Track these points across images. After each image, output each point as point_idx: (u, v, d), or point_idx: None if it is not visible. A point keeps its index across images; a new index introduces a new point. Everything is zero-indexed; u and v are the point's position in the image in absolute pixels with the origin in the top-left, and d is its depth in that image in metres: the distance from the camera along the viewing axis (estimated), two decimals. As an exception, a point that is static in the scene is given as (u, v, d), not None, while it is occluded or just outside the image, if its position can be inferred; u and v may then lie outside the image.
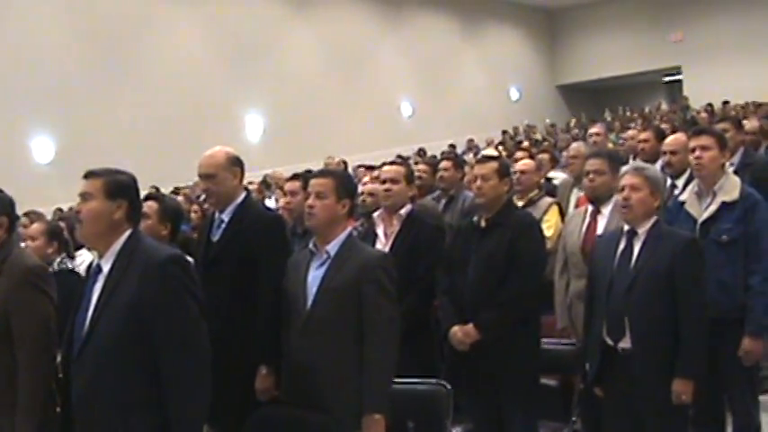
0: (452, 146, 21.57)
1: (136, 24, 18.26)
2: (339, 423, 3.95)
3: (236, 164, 4.84)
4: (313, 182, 4.31)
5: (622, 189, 4.59)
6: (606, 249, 4.68)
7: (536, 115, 27.87)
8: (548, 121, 27.26)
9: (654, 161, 7.00)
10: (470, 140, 23.05)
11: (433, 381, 4.52)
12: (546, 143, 18.15)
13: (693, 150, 5.17)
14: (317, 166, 12.43)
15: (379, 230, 5.59)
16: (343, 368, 4.02)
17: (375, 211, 5.88)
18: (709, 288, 4.87)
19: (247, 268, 4.65)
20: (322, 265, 4.16)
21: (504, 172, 5.18)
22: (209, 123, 18.16)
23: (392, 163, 6.01)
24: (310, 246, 4.27)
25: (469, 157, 16.35)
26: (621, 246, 4.59)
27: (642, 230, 4.55)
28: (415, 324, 5.11)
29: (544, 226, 6.10)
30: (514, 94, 29.96)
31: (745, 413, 5.15)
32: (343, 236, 4.21)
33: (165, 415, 3.34)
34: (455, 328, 4.94)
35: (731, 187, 5.09)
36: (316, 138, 20.56)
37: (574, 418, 5.18)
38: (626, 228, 4.62)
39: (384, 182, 5.64)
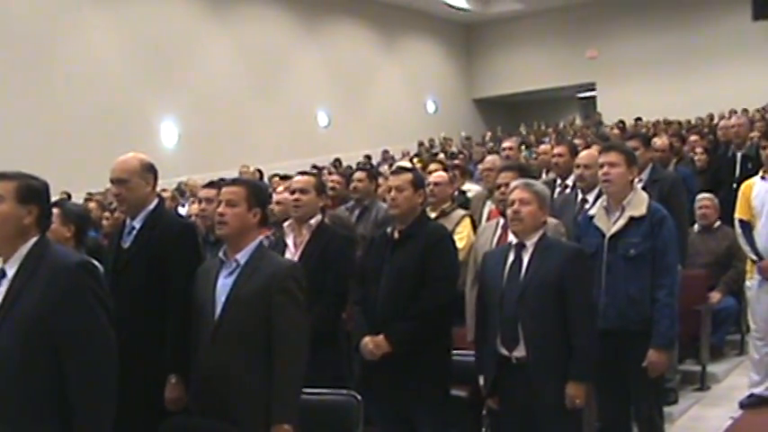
0: (368, 157, 21.62)
1: (48, 27, 17.92)
2: (247, 434, 3.92)
3: (149, 170, 4.78)
4: (225, 190, 4.28)
5: (512, 203, 4.68)
6: (495, 262, 4.77)
7: (452, 128, 28.06)
8: (463, 133, 27.48)
9: (567, 176, 7.11)
10: (386, 152, 23.14)
11: (343, 391, 4.49)
12: (461, 156, 18.30)
13: (602, 166, 5.25)
14: (232, 174, 12.40)
15: (289, 240, 5.56)
16: (252, 378, 3.98)
17: (285, 220, 5.86)
18: (617, 301, 4.99)
19: (158, 276, 4.58)
20: (231, 273, 4.12)
21: (418, 184, 5.19)
22: (123, 129, 17.92)
23: (303, 173, 5.99)
24: (220, 254, 4.24)
25: (385, 168, 16.38)
26: (510, 258, 4.68)
27: (530, 243, 4.66)
28: (325, 334, 5.08)
29: (456, 238, 6.13)
30: (431, 107, 30.16)
31: (651, 424, 5.23)
32: (253, 245, 4.17)
33: (70, 426, 3.27)
34: (366, 339, 4.93)
35: (639, 203, 5.19)
36: (231, 146, 20.47)
37: (483, 429, 5.22)
38: (514, 240, 4.71)
39: (293, 192, 5.62)
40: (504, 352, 4.61)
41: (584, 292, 4.62)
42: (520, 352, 4.56)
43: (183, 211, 11.40)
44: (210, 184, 6.55)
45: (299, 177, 5.80)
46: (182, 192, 14.39)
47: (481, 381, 4.79)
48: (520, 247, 4.68)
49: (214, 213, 4.37)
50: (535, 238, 4.67)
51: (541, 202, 4.72)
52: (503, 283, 4.65)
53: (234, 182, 4.45)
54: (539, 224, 4.71)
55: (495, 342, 4.64)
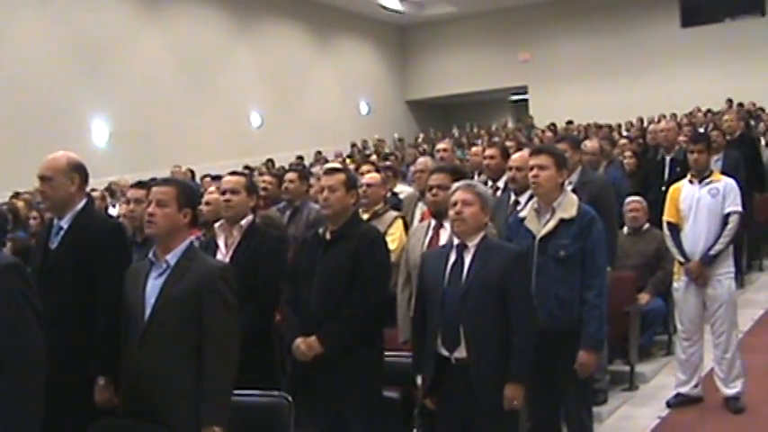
0: (300, 158, 21.58)
1: (-25, 25, 17.58)
2: (176, 436, 3.88)
3: (76, 170, 4.72)
4: (155, 190, 4.23)
5: (454, 204, 4.69)
6: (436, 263, 4.77)
7: (385, 129, 28.09)
8: (396, 135, 27.53)
9: (498, 177, 7.15)
10: (319, 153, 23.09)
11: (275, 393, 4.47)
12: (392, 157, 18.34)
13: (532, 169, 5.29)
14: (164, 174, 12.27)
15: (220, 241, 5.52)
16: (182, 380, 3.95)
17: (216, 221, 5.81)
18: (547, 302, 5.02)
19: (85, 277, 4.54)
20: (161, 274, 4.08)
21: (350, 184, 5.20)
22: (53, 127, 17.56)
23: (234, 173, 5.95)
24: (150, 255, 4.19)
25: (317, 169, 16.35)
26: (452, 259, 4.69)
27: (472, 244, 4.68)
28: (256, 335, 5.06)
29: (388, 239, 6.14)
30: (364, 108, 30.13)
31: (580, 423, 5.27)
32: (183, 246, 4.13)
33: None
34: (298, 340, 4.93)
35: (569, 205, 5.23)
36: (164, 145, 20.24)
37: (415, 430, 5.23)
38: (456, 241, 4.72)
39: (224, 192, 5.59)
40: (444, 353, 4.62)
41: (524, 294, 4.65)
42: (460, 353, 4.56)
43: (113, 211, 11.27)
44: (139, 185, 6.48)
45: (229, 178, 5.76)
46: (112, 192, 14.21)
47: (419, 381, 4.78)
48: (461, 247, 4.70)
49: (143, 214, 4.32)
50: (477, 239, 4.69)
51: (483, 203, 4.74)
52: (444, 284, 4.66)
53: (164, 182, 4.40)
54: (480, 225, 4.73)
55: (435, 343, 4.64)
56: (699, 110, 22.14)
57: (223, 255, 5.41)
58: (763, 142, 14.09)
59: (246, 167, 17.12)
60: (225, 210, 5.56)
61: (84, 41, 19.44)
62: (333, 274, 4.95)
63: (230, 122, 23.55)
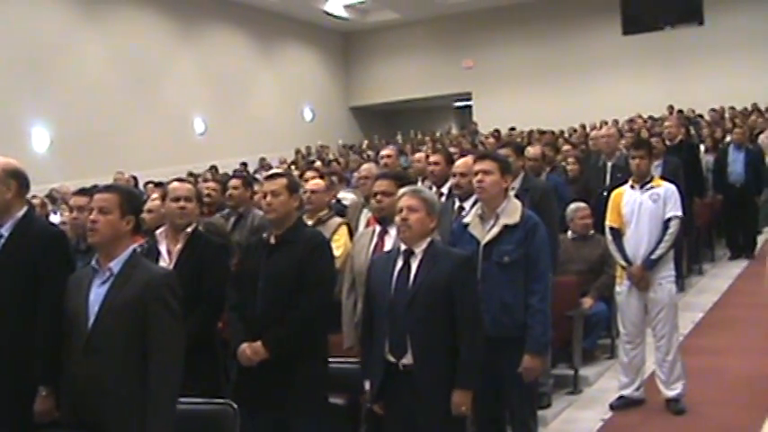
0: (244, 164, 21.52)
1: None
2: (119, 446, 3.84)
3: (13, 176, 4.63)
4: (97, 197, 4.17)
5: (400, 210, 4.69)
6: (383, 269, 4.76)
7: (329, 135, 28.12)
8: (340, 141, 27.54)
9: (443, 183, 7.17)
10: (263, 159, 23.03)
11: (220, 400, 4.45)
12: (335, 163, 18.34)
13: (476, 174, 5.31)
14: (106, 180, 12.14)
15: (162, 248, 5.47)
16: (126, 389, 3.90)
17: (157, 228, 5.77)
18: (491, 308, 5.04)
19: (27, 285, 4.45)
20: (104, 282, 4.03)
21: (293, 188, 5.19)
22: (-9, 133, 17.38)
23: (179, 180, 5.91)
24: (92, 263, 4.14)
25: (261, 175, 16.30)
26: (399, 265, 4.69)
27: (419, 250, 4.67)
28: (200, 343, 5.03)
29: (333, 246, 6.12)
30: (308, 115, 30.12)
31: (525, 427, 5.31)
32: (126, 253, 4.09)
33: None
34: (243, 346, 4.90)
35: (513, 211, 5.26)
36: (106, 152, 20.02)
37: (360, 436, 5.23)
38: (402, 247, 4.72)
39: (178, 199, 5.54)
40: (392, 359, 4.61)
41: (471, 300, 4.64)
42: (407, 359, 4.56)
43: (55, 218, 11.12)
44: (81, 192, 6.41)
45: (180, 184, 5.71)
46: (53, 198, 14.03)
47: (366, 386, 4.78)
48: (408, 253, 4.69)
49: (86, 221, 4.26)
50: (424, 245, 4.68)
51: (430, 208, 4.73)
52: (391, 290, 4.64)
53: (106, 188, 4.35)
54: (427, 231, 4.71)
55: (383, 349, 4.64)
56: (640, 116, 22.39)
57: (166, 262, 5.36)
58: (702, 148, 14.30)
59: (190, 174, 17.05)
60: (179, 217, 5.50)
61: (25, 47, 19.19)
62: (277, 279, 4.93)
63: (174, 129, 23.41)
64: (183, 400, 4.07)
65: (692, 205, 10.83)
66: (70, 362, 4.03)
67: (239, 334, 4.99)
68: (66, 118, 20.04)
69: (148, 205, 6.73)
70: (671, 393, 6.95)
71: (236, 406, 4.30)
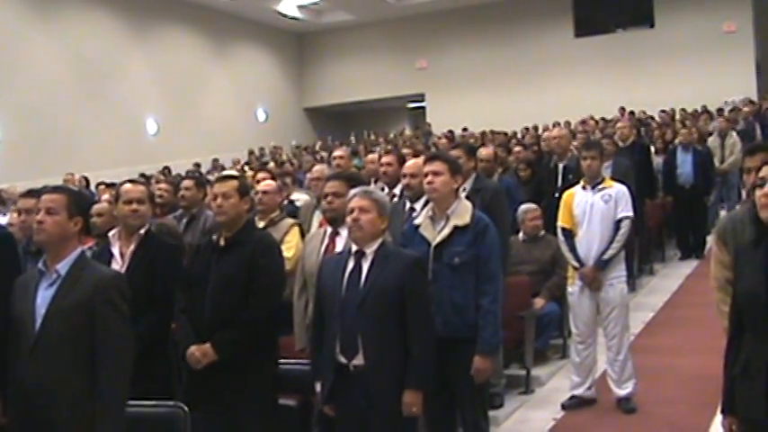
0: (197, 165, 21.41)
1: None
2: (68, 451, 3.79)
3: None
4: (44, 197, 4.13)
5: (352, 211, 4.69)
6: (334, 270, 4.75)
7: (283, 136, 28.05)
8: (294, 142, 27.48)
9: (395, 185, 7.17)
10: (215, 160, 22.93)
11: (170, 403, 4.42)
12: (287, 165, 18.30)
13: (426, 175, 5.32)
14: (57, 182, 12.03)
15: (115, 250, 5.42)
16: (75, 392, 3.85)
17: (109, 230, 5.72)
18: (442, 308, 5.05)
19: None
20: (52, 285, 3.97)
21: (244, 191, 5.18)
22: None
23: (132, 181, 5.85)
24: (39, 265, 4.08)
25: (214, 176, 16.22)
26: (350, 266, 4.68)
27: (370, 251, 4.67)
28: (153, 345, 5.02)
29: (284, 247, 6.13)
30: (262, 116, 30.03)
31: (477, 428, 5.32)
32: (74, 255, 4.04)
33: None
34: (192, 348, 4.87)
35: (463, 212, 5.27)
36: (57, 152, 19.86)
37: (312, 438, 5.22)
38: (354, 248, 4.72)
39: (131, 202, 5.49)
40: (343, 360, 4.60)
41: (422, 301, 4.65)
42: (359, 360, 4.55)
43: (2, 219, 10.98)
44: (29, 194, 6.33)
45: (132, 186, 5.65)
46: (2, 200, 13.85)
47: (317, 387, 4.76)
48: (359, 254, 4.68)
49: (34, 222, 4.20)
50: (375, 246, 4.68)
51: (381, 209, 4.73)
52: (342, 291, 4.63)
53: (54, 189, 4.30)
54: (378, 232, 4.71)
55: (334, 350, 4.63)
56: (592, 117, 22.55)
57: (119, 264, 5.32)
58: (652, 150, 14.44)
59: (142, 175, 16.92)
60: (133, 219, 5.45)
61: (-28, 46, 18.96)
62: (227, 282, 4.92)
63: (126, 129, 23.25)
64: (133, 402, 4.03)
65: (643, 206, 10.94)
66: (17, 366, 3.96)
67: (188, 336, 4.96)
68: (15, 118, 19.83)
69: (97, 208, 6.67)
70: (622, 392, 7.01)
71: (186, 408, 4.28)
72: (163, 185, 8.50)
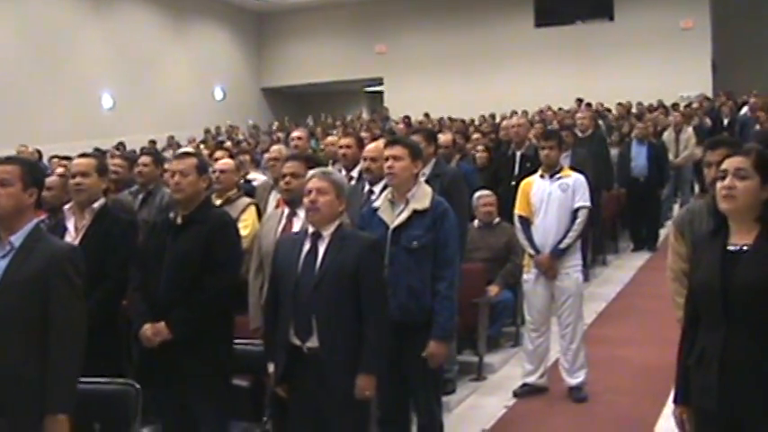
0: (153, 142, 21.25)
1: None
2: (17, 425, 3.72)
3: None
4: (-3, 169, 4.05)
5: (309, 192, 4.65)
6: (290, 251, 4.71)
7: (240, 116, 27.88)
8: (251, 122, 27.33)
9: (353, 167, 7.15)
10: (171, 137, 22.75)
11: (121, 380, 4.38)
12: (243, 144, 18.21)
13: (387, 159, 5.29)
14: (9, 153, 11.83)
15: (70, 224, 5.37)
16: (25, 366, 3.77)
17: (63, 204, 5.64)
18: (398, 292, 5.03)
19: None
20: (5, 256, 3.88)
21: (202, 169, 5.14)
22: None
23: (83, 155, 5.78)
24: (-8, 236, 4.01)
25: (169, 153, 16.09)
26: (306, 247, 4.64)
27: (327, 233, 4.63)
28: (103, 321, 4.96)
29: (240, 226, 6.09)
30: (219, 94, 29.86)
31: (429, 413, 5.32)
32: (29, 226, 3.95)
33: None
34: (146, 326, 4.83)
35: (423, 196, 5.25)
36: (9, 125, 19.54)
37: (265, 418, 5.19)
38: (311, 230, 4.68)
39: (74, 176, 5.44)
40: (297, 341, 4.56)
41: (378, 284, 4.63)
42: (312, 342, 4.51)
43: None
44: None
45: (78, 160, 5.61)
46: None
47: (270, 368, 4.73)
48: (316, 236, 4.64)
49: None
50: (332, 228, 4.64)
51: (339, 191, 4.69)
52: (297, 272, 4.59)
53: (7, 160, 4.20)
54: (336, 214, 4.67)
55: (288, 331, 4.59)
56: (549, 108, 22.64)
57: (72, 238, 5.27)
58: (609, 141, 14.55)
59: (97, 150, 16.71)
60: (76, 193, 5.40)
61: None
62: (183, 260, 4.87)
63: (81, 103, 23.00)
64: (84, 379, 3.97)
65: (599, 197, 11.00)
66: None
67: (142, 314, 4.91)
68: (-34, 90, 19.51)
69: (48, 182, 6.58)
70: (573, 381, 7.05)
71: (138, 386, 4.24)
72: (118, 161, 8.39)
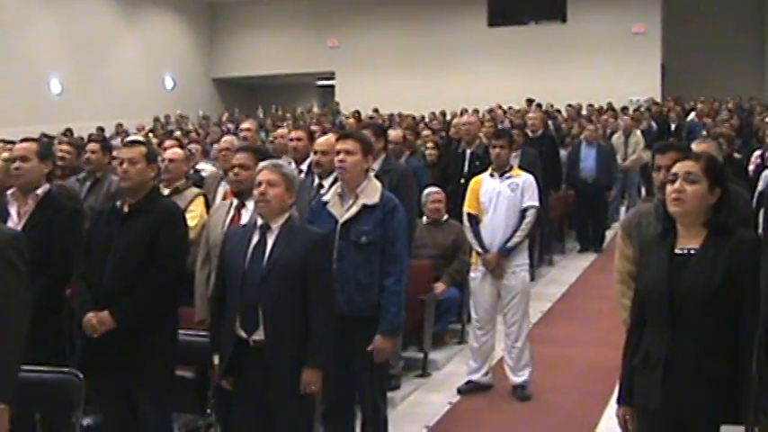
0: (101, 129, 21.01)
1: None
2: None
3: None
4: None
5: (259, 184, 4.63)
6: (238, 243, 4.69)
7: (189, 106, 27.65)
8: (201, 112, 27.16)
9: (303, 160, 7.13)
10: (119, 125, 22.54)
11: (65, 369, 4.34)
12: (192, 134, 18.08)
13: (338, 153, 5.28)
14: (-48, 138, 11.64)
15: (12, 209, 5.30)
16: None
17: (6, 189, 5.56)
18: (346, 287, 5.03)
19: None
20: (-53, 241, 3.84)
21: (151, 157, 5.09)
22: None
23: (25, 140, 5.70)
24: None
25: (118, 141, 15.93)
26: (255, 239, 4.63)
27: (276, 225, 4.62)
28: (47, 309, 4.89)
29: (188, 216, 6.02)
30: (169, 83, 29.62)
31: (374, 408, 5.34)
32: (-29, 212, 3.92)
33: None
34: (90, 315, 4.76)
35: (373, 191, 5.26)
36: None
37: (208, 411, 5.17)
38: (259, 222, 4.67)
39: (14, 160, 5.36)
40: (243, 334, 4.55)
41: (325, 278, 4.63)
42: (259, 335, 4.50)
43: None
44: None
45: (18, 145, 5.55)
46: None
47: (215, 360, 4.71)
48: (265, 228, 4.63)
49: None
50: (281, 221, 4.62)
51: (289, 184, 4.67)
52: (245, 265, 4.58)
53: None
54: (285, 207, 4.66)
55: (234, 323, 4.57)
56: (500, 107, 22.74)
57: (15, 224, 5.19)
58: (559, 142, 14.66)
59: (44, 135, 16.49)
60: (14, 178, 5.32)
61: None
62: (129, 249, 4.82)
63: (28, 87, 22.70)
64: (26, 367, 3.92)
65: (548, 197, 11.08)
66: None
67: (86, 303, 4.85)
68: None
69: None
70: (518, 380, 7.10)
71: (81, 375, 4.19)
72: (65, 147, 8.27)
